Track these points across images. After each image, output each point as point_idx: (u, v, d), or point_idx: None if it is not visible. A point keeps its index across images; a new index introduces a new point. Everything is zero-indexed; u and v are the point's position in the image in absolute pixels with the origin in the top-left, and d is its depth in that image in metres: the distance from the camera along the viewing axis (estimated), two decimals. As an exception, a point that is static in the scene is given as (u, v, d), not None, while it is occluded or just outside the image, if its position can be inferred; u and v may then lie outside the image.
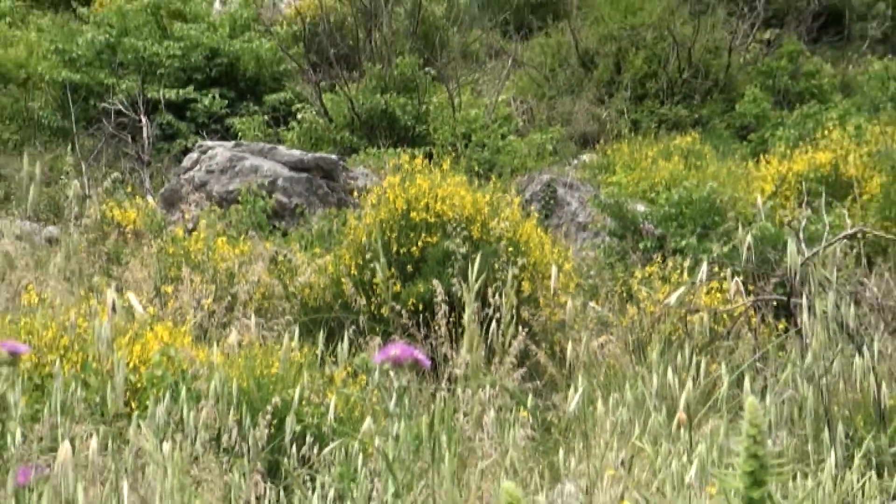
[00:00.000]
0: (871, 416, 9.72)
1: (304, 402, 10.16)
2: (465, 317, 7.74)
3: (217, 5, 27.77)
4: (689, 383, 7.38)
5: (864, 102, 27.19)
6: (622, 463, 6.49)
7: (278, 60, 26.29)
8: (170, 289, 15.26)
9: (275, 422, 9.11)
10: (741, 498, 4.14)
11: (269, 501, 8.17)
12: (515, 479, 6.91)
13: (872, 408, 9.97)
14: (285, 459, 8.47)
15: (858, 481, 7.10)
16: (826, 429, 8.48)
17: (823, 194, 20.45)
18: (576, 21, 28.19)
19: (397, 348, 5.82)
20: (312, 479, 8.09)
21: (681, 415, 7.00)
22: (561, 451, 7.42)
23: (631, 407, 7.20)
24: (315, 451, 8.99)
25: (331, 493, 7.30)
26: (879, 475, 7.33)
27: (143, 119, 24.53)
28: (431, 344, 12.04)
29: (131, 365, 11.38)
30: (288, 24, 27.33)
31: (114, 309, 8.51)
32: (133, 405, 9.79)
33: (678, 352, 12.27)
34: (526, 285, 15.71)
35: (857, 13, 28.67)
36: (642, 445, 6.54)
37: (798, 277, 15.56)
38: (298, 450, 8.83)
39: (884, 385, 9.90)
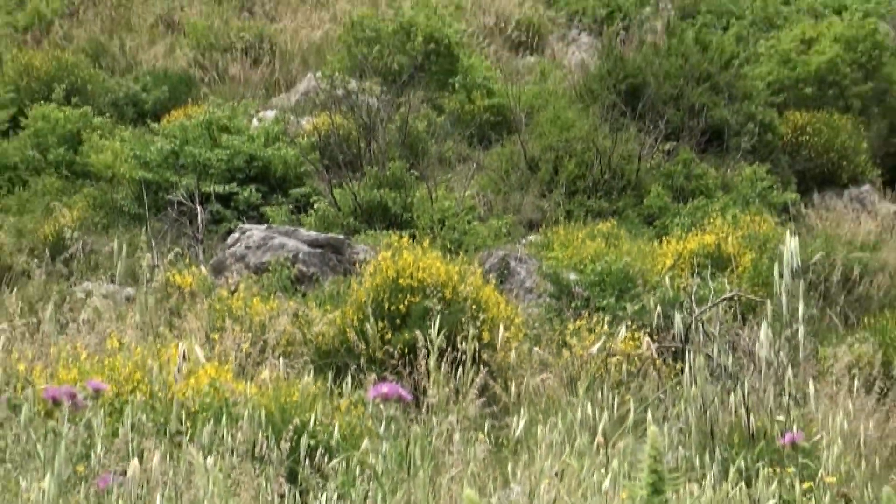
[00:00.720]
0: (743, 437, 9.79)
1: (316, 424, 10.14)
2: (431, 363, 7.80)
3: (255, 122, 27.82)
4: (606, 413, 7.46)
5: (739, 198, 27.45)
6: (556, 473, 6.57)
7: (300, 164, 26.33)
8: (216, 336, 15.22)
9: (294, 438, 9.12)
10: (645, 502, 4.16)
11: (288, 500, 8.18)
12: (476, 485, 6.93)
13: (744, 431, 10.03)
14: (301, 468, 8.49)
15: (732, 489, 7.04)
16: (708, 448, 8.55)
17: (709, 267, 20.59)
18: (524, 135, 28.33)
19: (386, 386, 5.87)
20: (323, 484, 8.12)
21: (599, 437, 7.08)
22: (510, 464, 7.46)
23: (563, 431, 7.24)
24: (325, 461, 9.02)
25: (335, 496, 7.35)
26: (749, 485, 7.36)
27: (198, 207, 24.61)
28: (415, 379, 12.01)
29: (187, 394, 11.38)
30: (307, 136, 27.36)
31: (184, 357, 8.57)
32: (188, 425, 9.75)
33: (600, 387, 12.29)
34: (486, 334, 15.68)
35: (733, 130, 28.91)
36: (570, 461, 6.60)
37: (689, 330, 15.59)
38: (312, 460, 8.87)
39: (752, 413, 9.95)
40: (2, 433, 6.28)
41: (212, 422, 8.59)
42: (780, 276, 7.24)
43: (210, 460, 6.58)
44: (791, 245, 7.31)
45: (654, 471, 4.20)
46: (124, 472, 6.22)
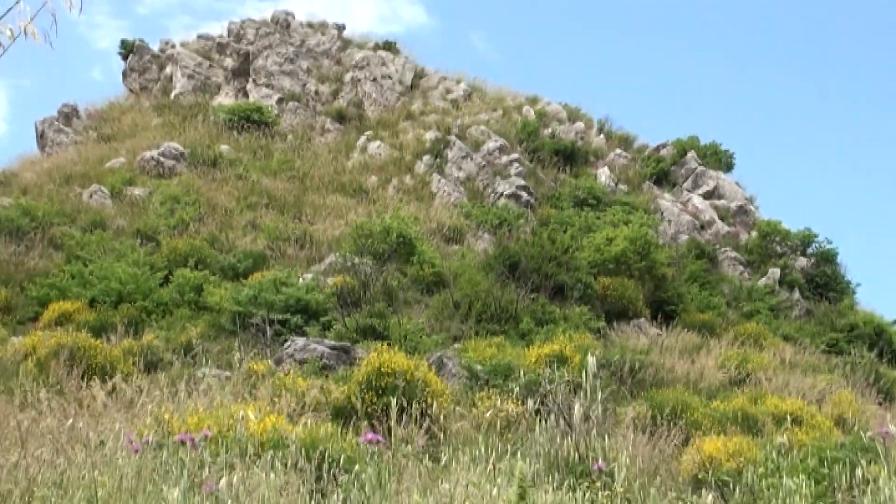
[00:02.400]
0: (572, 463, 9.68)
1: (332, 452, 10.00)
2: (393, 419, 7.71)
3: (301, 280, 27.81)
4: (495, 446, 7.30)
5: (572, 325, 27.60)
6: (466, 484, 6.40)
7: (326, 303, 26.37)
8: (277, 399, 15.14)
9: (319, 459, 8.99)
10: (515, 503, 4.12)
11: (315, 497, 8.01)
12: (421, 487, 6.81)
13: (573, 460, 9.94)
14: (324, 477, 8.32)
15: (565, 495, 6.80)
16: (552, 469, 8.40)
17: (555, 363, 20.50)
18: (452, 289, 28.49)
19: (370, 435, 5.80)
20: (335, 488, 8.00)
21: (492, 462, 6.95)
22: (441, 476, 7.33)
23: (472, 457, 7.09)
24: (337, 474, 8.88)
25: (343, 496, 7.20)
26: (574, 492, 7.27)
27: (267, 328, 24.57)
28: (388, 425, 11.89)
29: (259, 432, 11.26)
30: (330, 288, 27.45)
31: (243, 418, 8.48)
32: (260, 452, 9.58)
33: (493, 432, 12.18)
34: (429, 400, 15.57)
35: (569, 287, 29.17)
36: (474, 477, 6.42)
37: (544, 399, 15.52)
38: (329, 473, 8.71)
39: (577, 449, 9.83)
40: (154, 459, 6.16)
41: (272, 449, 8.49)
42: (587, 370, 7.20)
43: (272, 474, 6.45)
44: (591, 359, 7.27)
45: (521, 484, 4.15)
46: (219, 481, 6.13)
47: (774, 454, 12.00)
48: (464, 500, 5.71)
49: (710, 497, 6.27)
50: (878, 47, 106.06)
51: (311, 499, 7.87)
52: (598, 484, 5.98)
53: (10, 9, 4.29)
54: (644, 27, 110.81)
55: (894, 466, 6.40)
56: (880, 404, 25.55)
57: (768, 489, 7.94)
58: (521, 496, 3.90)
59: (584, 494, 5.95)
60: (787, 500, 7.41)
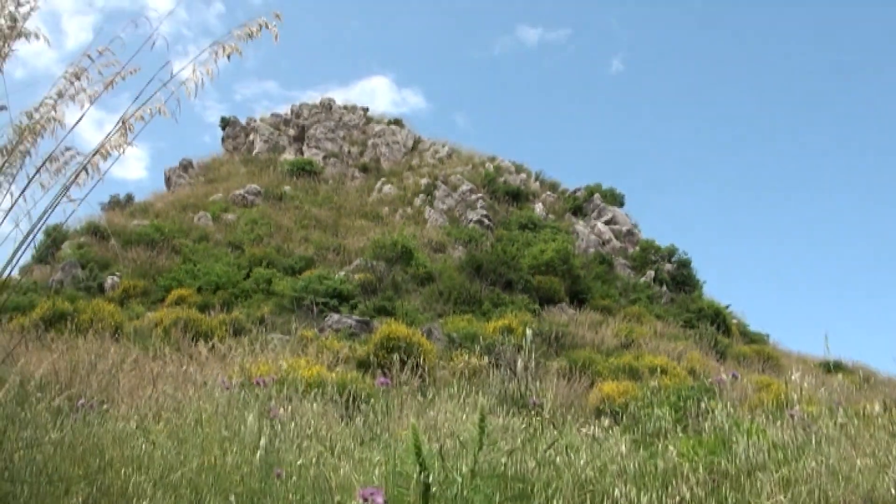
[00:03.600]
0: (516, 399, 9.54)
1: (357, 390, 9.83)
2: (396, 371, 7.66)
3: (337, 276, 27.74)
4: (466, 388, 7.20)
5: (517, 307, 27.85)
6: (446, 412, 6.34)
7: (354, 291, 26.36)
8: (320, 355, 15.06)
9: (349, 394, 8.84)
10: (477, 425, 4.09)
11: (345, 420, 7.94)
12: (416, 415, 6.75)
13: (517, 397, 9.83)
14: (351, 407, 8.21)
15: (510, 420, 6.65)
16: (503, 403, 8.37)
17: (506, 332, 20.41)
18: (438, 282, 28.90)
19: (383, 379, 5.76)
20: (359, 414, 7.93)
21: (463, 398, 6.86)
22: (429, 408, 7.26)
23: (450, 395, 7.02)
24: (361, 404, 8.74)
25: (363, 419, 7.11)
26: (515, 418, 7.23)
27: (314, 307, 24.34)
28: (393, 374, 11.76)
29: (307, 377, 11.17)
30: (356, 281, 27.45)
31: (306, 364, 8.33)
32: (308, 391, 9.50)
33: (464, 378, 12.09)
34: (422, 356, 15.44)
35: (516, 282, 29.61)
36: (452, 408, 6.32)
37: (499, 357, 15.47)
38: (356, 404, 8.58)
39: (519, 390, 9.68)
40: (239, 394, 6.15)
41: (316, 388, 8.43)
42: (526, 337, 7.09)
43: (314, 404, 6.39)
44: (528, 331, 7.16)
45: (481, 412, 4.13)
46: (281, 409, 6.10)
47: (649, 393, 11.99)
48: (444, 422, 5.68)
49: (607, 421, 6.26)
50: (728, 103, 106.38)
51: (341, 420, 7.84)
52: (532, 412, 5.97)
53: (149, 98, 4.35)
54: (574, 101, 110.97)
55: (726, 401, 6.41)
56: (717, 361, 25.60)
57: (645, 416, 7.93)
58: (482, 419, 3.88)
59: (523, 419, 5.94)
60: (657, 423, 7.42)
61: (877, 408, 6.39)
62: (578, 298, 32.16)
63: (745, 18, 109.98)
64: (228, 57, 4.41)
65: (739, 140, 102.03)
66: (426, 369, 15.21)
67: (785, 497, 4.99)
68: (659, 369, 18.02)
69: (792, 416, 6.27)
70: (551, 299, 31.14)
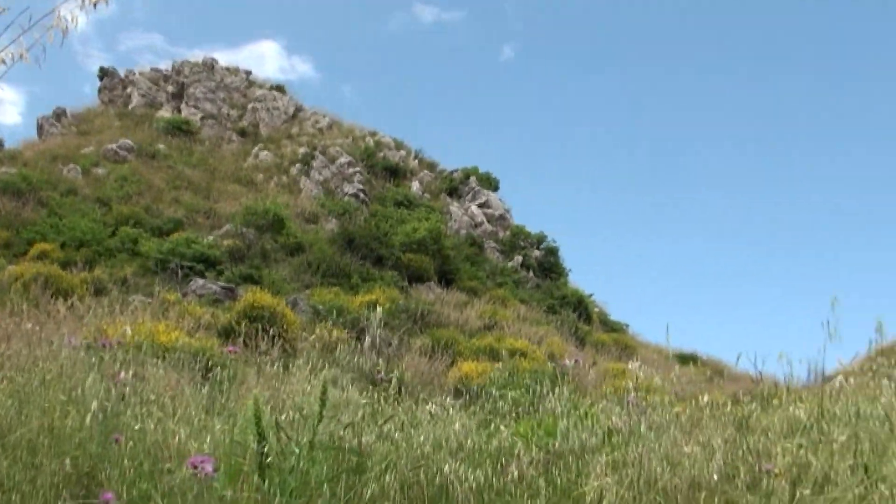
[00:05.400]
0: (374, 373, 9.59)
1: (213, 357, 9.68)
2: (258, 340, 7.60)
3: (205, 240, 27.13)
4: (321, 363, 7.20)
5: (385, 283, 28.00)
6: (294, 385, 6.32)
7: (221, 257, 25.94)
8: (181, 320, 14.65)
9: (205, 362, 8.73)
10: (319, 395, 4.13)
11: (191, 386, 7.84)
12: (263, 385, 6.71)
13: (374, 371, 9.88)
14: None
15: (369, 394, 6.66)
16: (363, 376, 8.40)
17: (376, 306, 20.46)
18: (308, 253, 28.64)
19: (230, 347, 5.73)
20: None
21: (318, 371, 6.84)
22: (279, 379, 7.18)
23: (300, 368, 6.98)
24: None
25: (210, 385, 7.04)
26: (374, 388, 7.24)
27: (179, 271, 23.82)
28: (257, 343, 11.53)
29: (166, 342, 10.89)
30: (225, 247, 26.92)
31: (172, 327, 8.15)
32: (164, 356, 9.29)
33: (327, 348, 12.02)
34: (286, 327, 15.13)
35: (386, 257, 29.64)
36: (301, 383, 6.35)
37: (364, 329, 15.43)
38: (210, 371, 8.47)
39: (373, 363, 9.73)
40: (87, 356, 6.00)
41: (172, 353, 8.20)
42: (376, 316, 7.16)
43: (161, 370, 6.30)
44: (379, 309, 7.24)
45: (323, 384, 4.20)
46: (124, 374, 5.97)
47: (506, 374, 12.31)
48: (291, 394, 5.72)
49: (450, 399, 6.43)
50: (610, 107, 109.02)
51: (196, 388, 7.78)
52: (380, 388, 6.06)
53: (11, 42, 4.18)
54: (463, 83, 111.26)
55: (569, 385, 6.66)
56: (577, 347, 26.41)
57: (500, 396, 8.16)
58: (324, 392, 3.96)
59: (369, 392, 6.02)
60: (511, 404, 7.65)
61: (706, 398, 6.80)
62: (447, 278, 32.49)
63: (633, 17, 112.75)
64: (95, 5, 4.26)
65: (618, 138, 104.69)
66: (289, 340, 15.11)
67: (612, 479, 5.25)
68: (519, 352, 18.42)
69: (629, 402, 6.60)
70: (420, 277, 31.38)
